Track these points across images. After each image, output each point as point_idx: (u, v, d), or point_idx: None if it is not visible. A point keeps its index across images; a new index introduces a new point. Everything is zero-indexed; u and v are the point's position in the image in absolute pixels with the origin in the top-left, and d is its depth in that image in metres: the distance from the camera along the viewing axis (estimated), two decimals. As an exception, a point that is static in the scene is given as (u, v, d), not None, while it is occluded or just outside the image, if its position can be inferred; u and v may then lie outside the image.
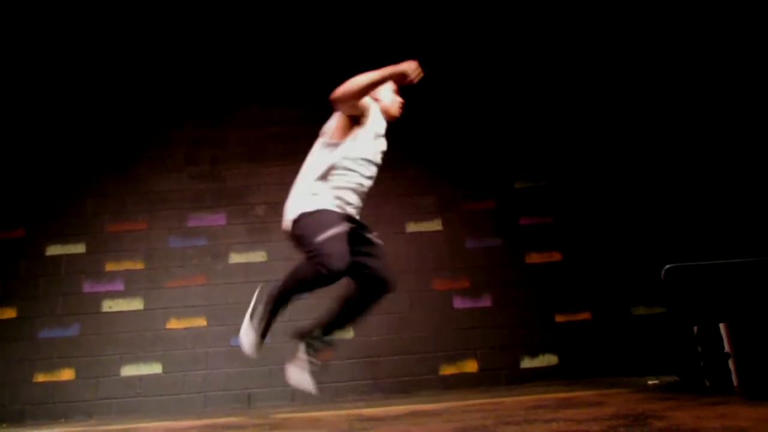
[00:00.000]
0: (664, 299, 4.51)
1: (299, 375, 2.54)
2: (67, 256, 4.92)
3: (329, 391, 4.62)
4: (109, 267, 4.89)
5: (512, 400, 3.20)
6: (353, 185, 2.58)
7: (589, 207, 5.10)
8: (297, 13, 5.30)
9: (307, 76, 5.34)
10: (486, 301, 4.86)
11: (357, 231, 2.53)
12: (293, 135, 5.10)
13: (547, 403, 2.81)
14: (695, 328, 3.26)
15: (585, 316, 4.84)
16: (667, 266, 3.49)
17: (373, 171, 2.70)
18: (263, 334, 2.57)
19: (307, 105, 5.27)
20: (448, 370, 4.70)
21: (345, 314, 2.67)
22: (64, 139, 5.19)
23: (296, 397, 4.62)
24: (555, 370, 4.70)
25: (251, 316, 2.57)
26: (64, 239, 4.96)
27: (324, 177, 2.56)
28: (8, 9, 4.89)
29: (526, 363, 4.72)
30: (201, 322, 4.76)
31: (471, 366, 4.71)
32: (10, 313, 4.78)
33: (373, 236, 2.63)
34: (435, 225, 5.06)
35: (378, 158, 2.74)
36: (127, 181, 5.08)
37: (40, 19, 5.06)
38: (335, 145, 2.60)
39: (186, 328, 4.74)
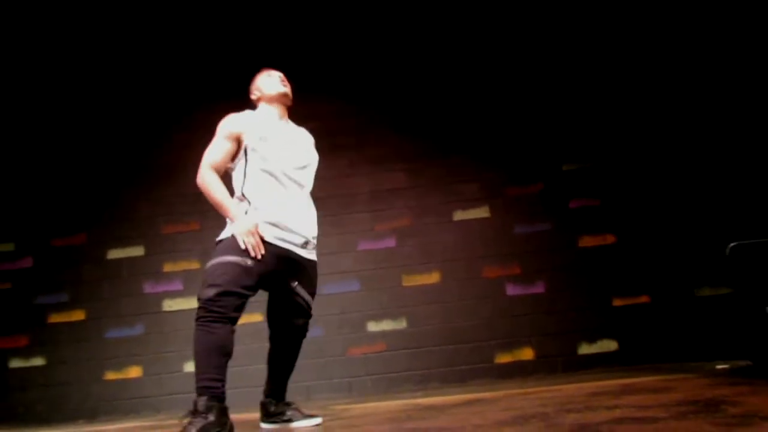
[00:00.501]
0: (730, 279, 4.32)
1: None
2: (128, 258, 5.12)
3: (384, 382, 4.66)
4: (167, 268, 5.05)
5: (572, 387, 3.15)
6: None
7: (641, 186, 4.92)
8: (334, 6, 5.31)
9: (346, 69, 5.35)
10: (539, 287, 4.78)
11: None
12: (334, 129, 5.13)
13: (608, 390, 2.75)
14: None
15: (644, 299, 4.69)
16: (732, 244, 3.34)
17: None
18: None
19: (344, 99, 5.29)
20: (503, 358, 4.66)
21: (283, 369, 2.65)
22: (117, 146, 5.38)
23: (353, 388, 4.68)
24: (614, 356, 4.58)
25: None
26: (123, 243, 5.16)
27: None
28: (55, 16, 5.09)
29: (584, 349, 4.62)
30: (257, 317, 4.85)
31: (527, 353, 4.65)
32: (79, 316, 5.02)
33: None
34: (482, 212, 5.00)
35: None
36: (177, 183, 5.21)
37: (96, 27, 5.24)
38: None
39: (242, 324, 4.83)
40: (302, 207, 2.50)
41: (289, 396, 2.76)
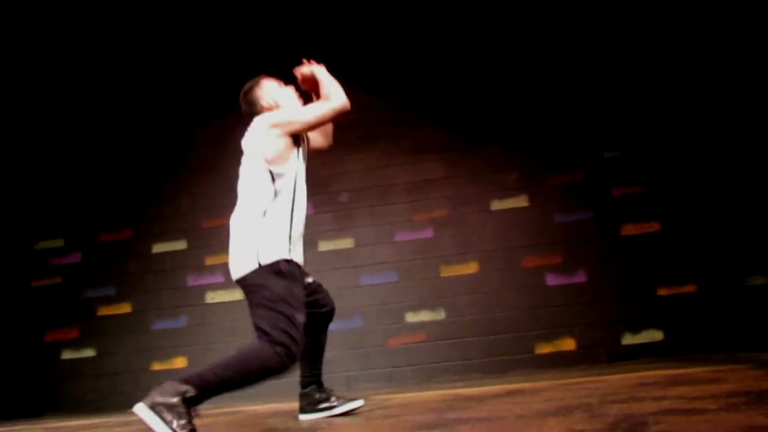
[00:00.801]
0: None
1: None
2: (171, 252, 5.26)
3: (424, 372, 4.67)
4: (209, 261, 5.17)
5: (616, 378, 3.08)
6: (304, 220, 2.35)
7: (688, 171, 4.75)
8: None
9: (381, 60, 5.34)
10: (581, 277, 4.69)
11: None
12: (370, 122, 5.13)
13: (655, 380, 2.68)
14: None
15: (691, 288, 4.55)
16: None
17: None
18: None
19: (380, 91, 5.28)
20: (544, 348, 4.60)
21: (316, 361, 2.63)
22: (159, 143, 5.51)
23: (393, 378, 4.70)
24: (660, 346, 4.47)
25: (157, 409, 1.89)
26: (166, 237, 5.30)
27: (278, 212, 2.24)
28: (99, 23, 5.23)
29: (628, 339, 4.53)
30: (297, 309, 4.93)
31: (568, 344, 4.58)
32: (126, 308, 5.19)
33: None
34: (520, 201, 4.93)
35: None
36: (216, 177, 5.30)
37: (135, 31, 5.37)
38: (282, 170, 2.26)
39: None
40: None
41: (330, 385, 2.79)
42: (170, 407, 1.86)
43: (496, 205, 4.95)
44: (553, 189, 4.91)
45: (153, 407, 1.87)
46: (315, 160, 4.91)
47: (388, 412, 2.48)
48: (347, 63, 5.40)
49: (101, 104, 5.68)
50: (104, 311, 5.22)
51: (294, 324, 2.07)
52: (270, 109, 2.42)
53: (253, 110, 2.45)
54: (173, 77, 5.62)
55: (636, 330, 4.53)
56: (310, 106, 2.39)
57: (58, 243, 5.44)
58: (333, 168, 5.14)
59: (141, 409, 1.89)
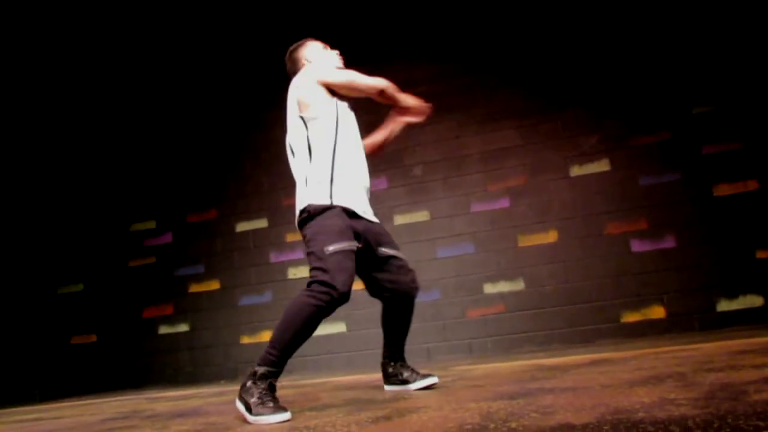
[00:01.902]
0: None
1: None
2: (254, 231, 5.47)
3: (504, 343, 4.63)
4: (290, 238, 5.33)
5: (711, 346, 2.92)
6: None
7: (790, 124, 4.36)
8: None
9: (447, 28, 5.22)
10: (669, 242, 4.46)
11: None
12: (440, 92, 5.05)
13: (755, 348, 2.52)
14: None
15: (795, 250, 4.22)
16: None
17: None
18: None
19: (448, 60, 5.17)
20: (630, 317, 4.43)
21: (399, 332, 2.50)
22: (238, 125, 5.71)
23: (473, 350, 4.70)
24: (760, 312, 4.18)
25: (240, 398, 2.02)
26: (248, 216, 5.52)
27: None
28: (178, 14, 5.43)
29: (723, 306, 4.27)
30: (375, 282, 5.01)
31: (657, 312, 4.38)
32: (215, 285, 5.48)
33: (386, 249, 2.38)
34: (602, 165, 4.72)
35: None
36: (295, 157, 5.45)
37: (211, 19, 5.54)
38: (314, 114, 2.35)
39: (363, 290, 5.01)
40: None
41: (410, 357, 2.80)
42: (246, 390, 2.00)
43: (576, 170, 4.77)
44: (637, 151, 4.66)
45: (239, 397, 2.03)
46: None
47: (471, 383, 2.48)
48: (412, 34, 5.33)
49: (184, 94, 5.94)
50: (195, 288, 5.54)
51: (323, 257, 2.07)
52: None
53: (296, 68, 2.59)
54: (249, 56, 5.77)
55: (732, 295, 4.26)
56: (346, 70, 2.46)
57: (151, 225, 5.80)
58: (405, 141, 5.11)
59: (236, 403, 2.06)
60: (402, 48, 5.36)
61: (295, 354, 2.14)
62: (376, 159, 5.16)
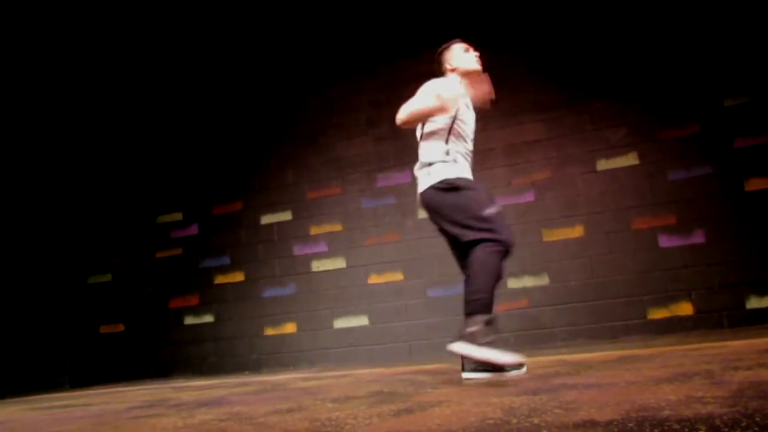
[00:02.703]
0: None
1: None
2: (278, 223, 5.52)
3: (528, 338, 4.60)
4: (313, 231, 5.36)
5: (740, 344, 2.86)
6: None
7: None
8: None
9: (470, 23, 5.17)
10: (698, 237, 4.36)
11: None
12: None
13: (786, 347, 2.46)
14: None
15: (830, 246, 4.09)
16: None
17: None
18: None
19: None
20: (657, 313, 4.36)
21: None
22: (263, 119, 5.75)
23: (496, 345, 4.66)
24: (793, 310, 4.07)
25: (474, 342, 2.36)
26: (273, 209, 5.56)
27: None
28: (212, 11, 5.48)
29: (753, 303, 4.17)
30: (398, 276, 5.02)
31: (685, 308, 4.30)
32: (239, 277, 5.54)
33: None
34: (629, 159, 4.63)
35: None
36: (318, 150, 5.48)
37: (245, 15, 5.59)
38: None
39: (386, 283, 5.04)
40: None
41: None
42: (471, 335, 2.35)
43: (603, 164, 4.69)
44: (666, 144, 4.57)
45: (463, 338, 2.35)
46: (411, 129, 4.81)
47: (494, 378, 2.45)
48: (437, 25, 5.29)
49: (211, 89, 6.00)
50: (220, 279, 5.61)
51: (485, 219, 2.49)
52: (450, 71, 2.73)
53: (440, 70, 2.78)
54: (277, 53, 5.81)
55: (763, 293, 4.16)
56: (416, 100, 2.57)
57: (178, 216, 5.88)
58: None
59: (456, 347, 2.38)
60: (426, 40, 5.31)
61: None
62: (401, 153, 5.17)
